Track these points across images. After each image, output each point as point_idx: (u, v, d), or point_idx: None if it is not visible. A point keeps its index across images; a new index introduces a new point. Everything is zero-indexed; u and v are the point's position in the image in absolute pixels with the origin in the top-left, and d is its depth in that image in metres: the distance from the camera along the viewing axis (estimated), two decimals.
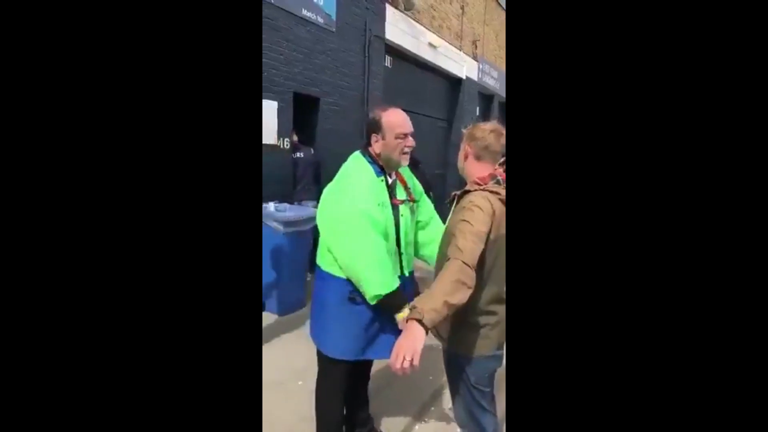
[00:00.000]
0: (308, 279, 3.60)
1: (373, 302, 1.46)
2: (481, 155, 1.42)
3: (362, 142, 1.65)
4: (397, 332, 1.15)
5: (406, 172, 1.72)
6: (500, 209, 1.30)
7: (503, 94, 9.45)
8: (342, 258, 1.49)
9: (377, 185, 1.54)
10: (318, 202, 1.68)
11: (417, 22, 6.07)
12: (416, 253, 1.78)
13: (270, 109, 3.86)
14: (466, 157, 1.46)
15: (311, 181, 4.29)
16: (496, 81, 9.42)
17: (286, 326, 3.24)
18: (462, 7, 7.49)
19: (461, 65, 7.64)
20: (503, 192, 1.32)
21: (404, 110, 1.62)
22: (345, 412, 1.81)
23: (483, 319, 1.37)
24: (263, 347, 2.72)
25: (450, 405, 1.59)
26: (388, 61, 5.75)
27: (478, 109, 8.73)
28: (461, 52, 7.60)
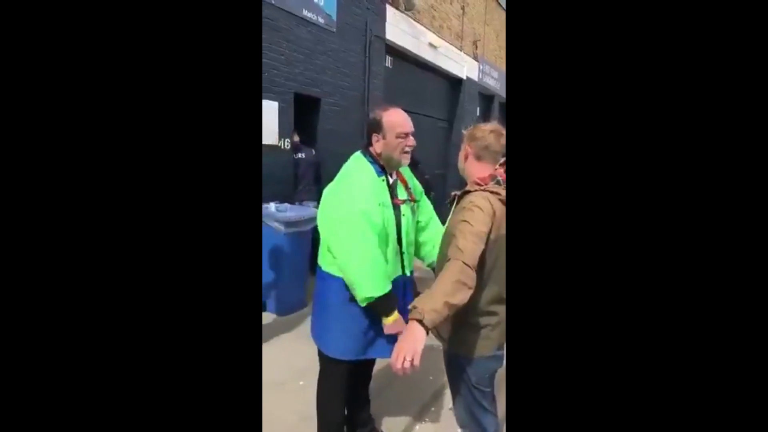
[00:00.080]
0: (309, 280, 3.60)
1: (363, 304, 1.47)
2: (482, 155, 1.42)
3: (363, 142, 1.65)
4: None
5: (406, 172, 1.72)
6: (500, 209, 1.30)
7: (504, 94, 9.45)
8: (338, 258, 1.50)
9: (378, 185, 1.54)
10: (318, 203, 1.68)
11: (417, 22, 6.07)
12: (415, 254, 1.78)
13: (271, 110, 3.86)
14: (466, 158, 1.46)
15: (312, 181, 4.30)
16: (496, 81, 9.42)
17: (286, 326, 3.24)
18: (462, 8, 7.49)
19: (462, 65, 7.64)
20: (503, 192, 1.32)
21: (405, 110, 1.62)
22: (346, 412, 1.81)
23: (483, 320, 1.37)
24: (264, 347, 2.72)
25: (451, 405, 1.59)
26: (388, 61, 5.76)
27: (478, 109, 8.73)
28: (462, 53, 7.61)
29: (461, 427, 1.52)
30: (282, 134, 4.04)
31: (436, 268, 1.48)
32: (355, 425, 1.90)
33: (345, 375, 1.66)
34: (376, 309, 1.49)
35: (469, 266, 1.18)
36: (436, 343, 1.49)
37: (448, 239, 1.36)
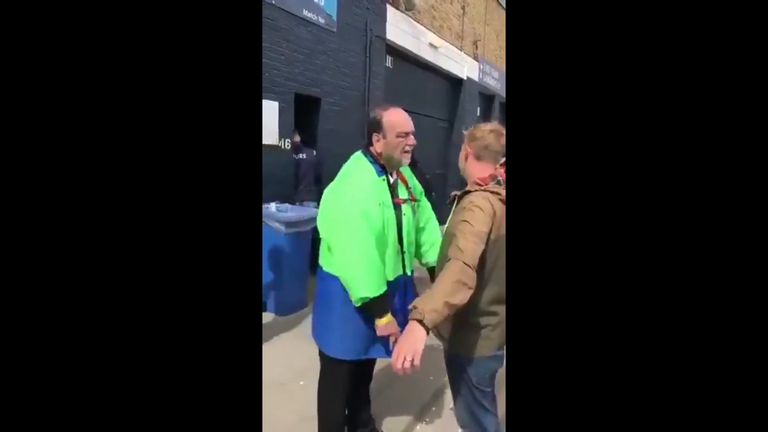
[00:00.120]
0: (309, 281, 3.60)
1: (357, 304, 1.47)
2: (481, 155, 1.43)
3: (363, 142, 1.66)
4: (401, 331, 1.16)
5: (406, 171, 1.72)
6: (501, 209, 1.30)
7: (504, 94, 9.45)
8: (335, 257, 1.50)
9: (379, 185, 1.54)
10: (319, 203, 1.68)
11: (418, 22, 6.08)
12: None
13: (271, 110, 3.86)
14: (466, 158, 1.47)
15: (312, 181, 4.30)
16: (497, 81, 9.42)
17: (286, 326, 3.24)
18: (463, 7, 7.49)
19: (462, 65, 7.64)
20: (504, 192, 1.32)
21: (405, 110, 1.63)
22: (347, 412, 1.81)
23: (484, 320, 1.37)
24: (264, 347, 2.73)
25: (452, 405, 1.59)
26: (389, 61, 5.76)
27: (479, 109, 8.73)
28: (462, 53, 7.60)
29: (462, 427, 1.52)
30: (282, 134, 4.04)
31: (436, 269, 1.48)
32: (355, 425, 1.90)
33: (346, 375, 1.66)
34: (370, 309, 1.49)
35: (470, 266, 1.18)
36: (437, 342, 1.49)
37: (448, 239, 1.36)
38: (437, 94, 7.32)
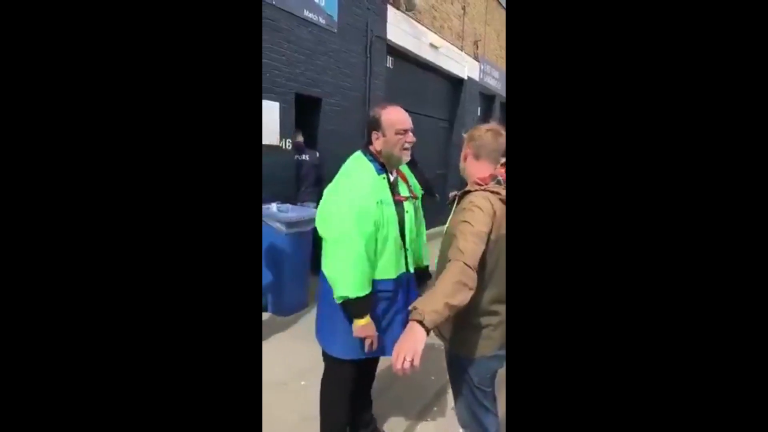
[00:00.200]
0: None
1: (339, 301, 1.49)
2: (480, 155, 1.44)
3: (364, 142, 1.66)
4: (403, 330, 1.16)
5: (405, 170, 1.73)
6: (501, 209, 1.31)
7: (505, 94, 9.44)
8: (324, 254, 1.51)
9: (379, 183, 1.55)
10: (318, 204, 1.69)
11: (418, 22, 6.07)
12: None
13: (272, 110, 3.86)
14: (465, 158, 1.48)
15: (313, 183, 4.30)
16: (497, 81, 9.41)
17: (288, 326, 3.25)
18: (463, 7, 7.49)
19: (462, 65, 7.63)
20: (504, 192, 1.32)
21: (406, 110, 1.63)
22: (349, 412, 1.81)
23: (485, 320, 1.37)
24: (265, 347, 2.73)
25: (453, 405, 1.59)
26: (389, 61, 5.75)
27: (479, 109, 8.72)
28: (462, 53, 7.60)
29: (463, 427, 1.53)
30: (283, 134, 4.04)
31: (436, 269, 1.49)
32: (357, 426, 1.90)
33: (350, 375, 1.67)
34: (350, 309, 1.50)
35: (470, 267, 1.18)
36: (437, 342, 1.49)
37: (448, 240, 1.37)
38: (438, 94, 7.31)
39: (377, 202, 1.50)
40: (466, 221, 1.26)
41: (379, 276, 1.55)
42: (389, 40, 5.48)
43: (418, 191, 1.76)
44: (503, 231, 1.31)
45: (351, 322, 1.53)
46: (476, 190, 1.35)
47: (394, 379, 2.42)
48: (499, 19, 9.16)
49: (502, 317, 1.38)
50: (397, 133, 1.54)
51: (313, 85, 4.37)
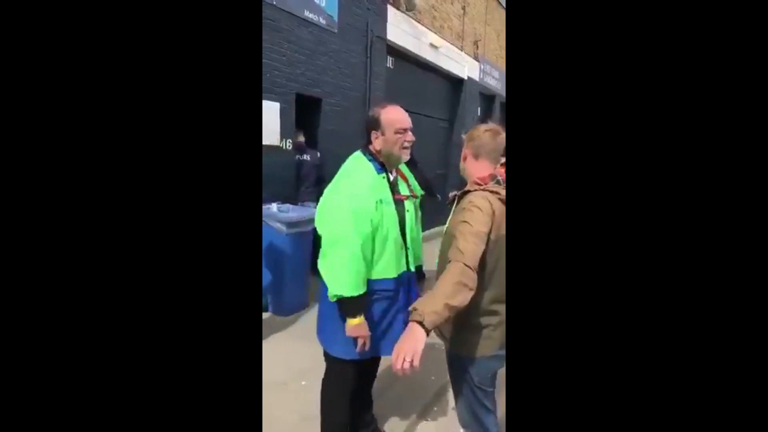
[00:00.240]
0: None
1: (332, 300, 1.49)
2: (479, 154, 1.44)
3: (364, 142, 1.66)
4: (404, 329, 1.17)
5: (405, 169, 1.74)
6: (500, 209, 1.31)
7: (504, 94, 9.44)
8: (321, 251, 1.51)
9: (378, 182, 1.56)
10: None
11: (418, 22, 6.07)
12: None
13: (272, 111, 3.87)
14: (465, 158, 1.49)
15: (313, 183, 4.30)
16: (497, 81, 9.41)
17: (288, 326, 3.25)
18: (463, 7, 7.49)
19: (463, 65, 7.63)
20: (503, 192, 1.32)
21: (406, 110, 1.64)
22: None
23: (485, 320, 1.38)
24: (265, 347, 2.73)
25: (454, 404, 1.59)
26: (389, 61, 5.75)
27: (479, 109, 8.72)
28: (462, 53, 7.60)
29: (464, 426, 1.53)
30: (284, 135, 4.04)
31: (437, 270, 1.49)
32: (358, 426, 1.90)
33: (351, 375, 1.67)
34: (343, 308, 1.51)
35: (470, 267, 1.18)
36: (438, 341, 1.49)
37: (448, 240, 1.37)
38: (438, 95, 7.31)
39: (377, 202, 1.50)
40: (465, 221, 1.27)
41: (380, 275, 1.55)
42: (389, 40, 5.48)
43: (418, 191, 1.77)
44: (503, 231, 1.31)
45: (379, 321, 1.54)
46: (475, 190, 1.35)
47: (395, 379, 2.42)
48: (499, 19, 9.16)
49: (502, 317, 1.38)
50: (396, 132, 1.55)
51: (314, 85, 4.37)
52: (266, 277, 3.36)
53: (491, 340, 1.38)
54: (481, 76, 8.56)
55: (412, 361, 1.10)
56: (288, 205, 3.62)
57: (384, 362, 1.87)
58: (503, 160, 1.43)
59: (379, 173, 1.57)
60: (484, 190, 1.33)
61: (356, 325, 1.50)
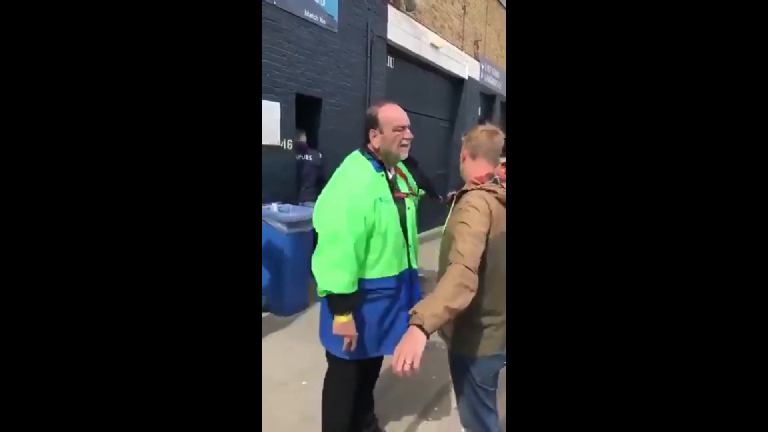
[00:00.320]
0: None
1: (321, 295, 1.50)
2: (476, 154, 1.45)
3: (362, 141, 1.67)
4: (407, 327, 1.18)
5: (403, 168, 1.74)
6: (497, 207, 1.31)
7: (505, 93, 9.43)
8: (316, 248, 1.52)
9: (377, 180, 1.56)
10: None
11: (419, 22, 6.07)
12: None
13: (273, 111, 3.87)
14: (464, 159, 1.50)
15: (314, 183, 4.30)
16: (498, 81, 9.41)
17: (289, 326, 3.25)
18: (464, 7, 7.48)
19: (463, 65, 7.63)
20: (500, 191, 1.33)
21: (406, 111, 1.64)
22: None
23: (487, 319, 1.38)
24: (266, 347, 2.73)
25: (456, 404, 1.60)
26: (390, 61, 5.75)
27: (480, 109, 8.72)
28: (463, 52, 7.60)
29: (465, 426, 1.53)
30: (284, 135, 4.04)
31: (438, 270, 1.49)
32: (359, 426, 1.90)
33: (353, 375, 1.67)
34: (331, 304, 1.50)
35: (471, 269, 1.19)
36: (439, 341, 1.49)
37: (447, 240, 1.37)
38: (438, 94, 7.31)
39: (375, 200, 1.50)
40: (463, 222, 1.27)
41: (381, 274, 1.55)
42: (390, 40, 5.48)
43: (417, 189, 1.78)
44: (500, 229, 1.31)
45: (381, 320, 1.54)
46: (472, 190, 1.35)
47: (396, 379, 2.42)
48: (499, 18, 9.15)
49: (504, 317, 1.38)
50: (394, 130, 1.55)
51: (314, 85, 4.37)
52: (266, 277, 3.37)
53: (493, 340, 1.38)
54: (482, 76, 8.56)
55: (412, 363, 1.10)
56: (288, 205, 3.63)
57: (385, 362, 1.87)
58: (503, 160, 1.43)
59: (377, 171, 1.57)
60: (480, 189, 1.34)
61: (343, 323, 1.49)
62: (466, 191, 1.38)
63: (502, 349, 1.41)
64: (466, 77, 7.83)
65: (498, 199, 1.32)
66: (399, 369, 1.10)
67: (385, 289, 1.57)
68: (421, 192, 1.87)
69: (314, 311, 1.76)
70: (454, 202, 1.45)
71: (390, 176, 1.63)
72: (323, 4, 4.35)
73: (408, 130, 1.58)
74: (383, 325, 1.59)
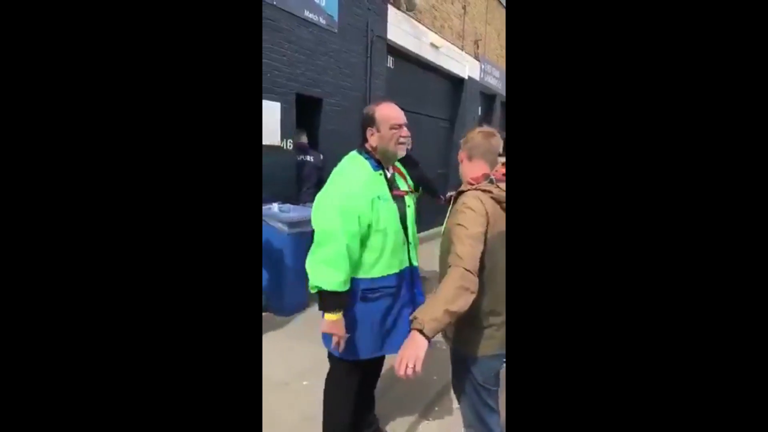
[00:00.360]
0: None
1: (312, 291, 1.50)
2: (473, 155, 1.47)
3: (360, 140, 1.67)
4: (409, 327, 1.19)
5: (401, 166, 1.75)
6: (493, 207, 1.32)
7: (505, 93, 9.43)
8: (312, 247, 1.52)
9: (375, 179, 1.56)
10: None
11: (419, 22, 6.07)
12: None
13: (273, 111, 3.87)
14: (461, 161, 1.52)
15: (314, 184, 4.30)
16: (498, 80, 9.40)
17: (289, 326, 3.25)
18: (464, 7, 7.48)
19: (463, 65, 7.63)
20: (496, 191, 1.33)
21: (407, 111, 1.64)
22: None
23: (488, 319, 1.38)
24: (266, 347, 2.73)
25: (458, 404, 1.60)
26: (390, 61, 5.75)
27: (480, 109, 8.72)
28: (463, 52, 7.60)
29: (467, 426, 1.53)
30: (284, 135, 4.04)
31: (439, 272, 1.50)
32: (360, 426, 1.90)
33: (357, 375, 1.67)
34: (321, 301, 1.50)
35: (470, 271, 1.20)
36: (440, 340, 1.49)
37: (446, 241, 1.38)
38: (438, 94, 7.31)
39: (373, 199, 1.50)
40: (460, 224, 1.28)
41: (381, 272, 1.55)
42: (390, 40, 5.47)
43: (414, 187, 1.79)
44: (499, 228, 1.31)
45: (383, 320, 1.54)
46: (468, 190, 1.36)
47: (397, 379, 2.38)
48: (499, 18, 9.15)
49: (504, 317, 1.38)
50: (391, 128, 1.56)
51: (314, 85, 4.37)
52: (266, 277, 3.36)
53: (494, 340, 1.38)
54: (482, 76, 8.56)
55: (415, 366, 1.11)
56: (289, 205, 3.62)
57: (386, 361, 1.87)
58: (503, 160, 1.44)
59: (375, 170, 1.57)
60: (476, 189, 1.34)
61: (333, 321, 1.49)
62: (463, 192, 1.39)
63: (503, 349, 1.41)
64: (466, 77, 7.83)
65: (494, 198, 1.33)
66: (402, 373, 1.12)
67: (386, 288, 1.57)
68: (420, 190, 1.88)
69: (314, 311, 1.76)
70: (452, 202, 1.46)
71: (388, 175, 1.63)
72: (323, 4, 4.35)
73: (405, 128, 1.58)
74: (386, 325, 1.59)
